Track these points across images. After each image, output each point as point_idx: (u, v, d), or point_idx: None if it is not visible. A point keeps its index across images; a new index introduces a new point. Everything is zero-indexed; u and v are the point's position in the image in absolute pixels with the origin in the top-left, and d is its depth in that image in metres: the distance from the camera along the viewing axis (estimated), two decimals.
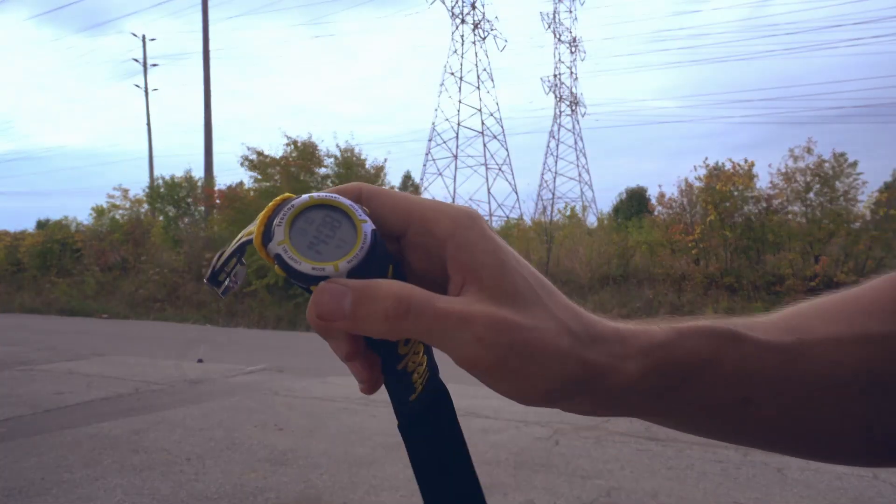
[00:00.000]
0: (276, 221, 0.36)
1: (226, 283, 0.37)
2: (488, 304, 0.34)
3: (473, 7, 41.81)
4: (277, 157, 15.05)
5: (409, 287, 0.34)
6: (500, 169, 41.81)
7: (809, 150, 12.10)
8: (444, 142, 41.67)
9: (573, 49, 48.11)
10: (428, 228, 0.37)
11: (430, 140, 41.75)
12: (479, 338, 0.34)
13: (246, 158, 15.13)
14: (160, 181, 19.49)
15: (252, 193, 15.19)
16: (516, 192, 42.24)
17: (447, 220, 0.37)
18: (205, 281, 0.38)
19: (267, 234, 0.36)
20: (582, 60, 49.21)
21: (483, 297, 0.35)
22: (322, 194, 0.37)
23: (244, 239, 0.37)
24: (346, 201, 0.37)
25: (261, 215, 0.37)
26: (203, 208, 18.75)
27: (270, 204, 0.37)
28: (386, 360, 0.39)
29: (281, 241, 0.35)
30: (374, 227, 0.36)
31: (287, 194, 0.38)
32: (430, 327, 0.34)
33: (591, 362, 0.36)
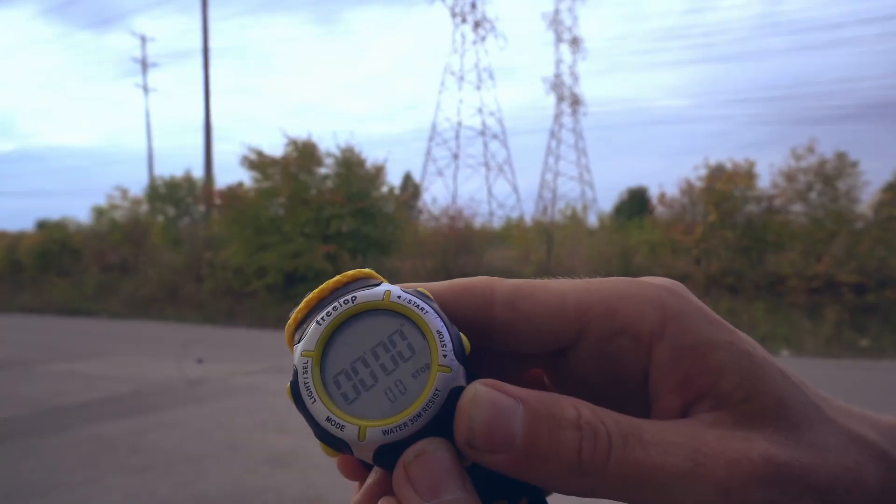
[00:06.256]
0: (319, 316, 0.24)
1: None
2: (745, 434, 0.22)
3: (474, 6, 41.88)
4: (277, 157, 15.07)
5: (600, 409, 0.23)
6: (500, 168, 41.87)
7: (811, 150, 12.11)
8: (445, 141, 41.74)
9: (574, 49, 48.24)
10: (620, 327, 0.24)
11: (430, 139, 41.87)
12: (727, 490, 0.21)
13: (246, 158, 15.15)
14: (160, 181, 19.53)
15: (252, 193, 15.20)
16: (517, 192, 42.26)
17: (651, 310, 0.24)
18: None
19: (301, 326, 0.25)
20: (583, 60, 49.34)
21: (727, 421, 0.22)
22: (406, 298, 0.24)
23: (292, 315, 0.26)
24: (438, 322, 0.23)
25: (316, 290, 0.25)
26: (203, 208, 18.76)
27: (337, 278, 0.25)
28: None
29: (308, 350, 0.23)
30: (462, 382, 0.23)
31: (367, 271, 0.26)
32: (641, 475, 0.21)
33: None
